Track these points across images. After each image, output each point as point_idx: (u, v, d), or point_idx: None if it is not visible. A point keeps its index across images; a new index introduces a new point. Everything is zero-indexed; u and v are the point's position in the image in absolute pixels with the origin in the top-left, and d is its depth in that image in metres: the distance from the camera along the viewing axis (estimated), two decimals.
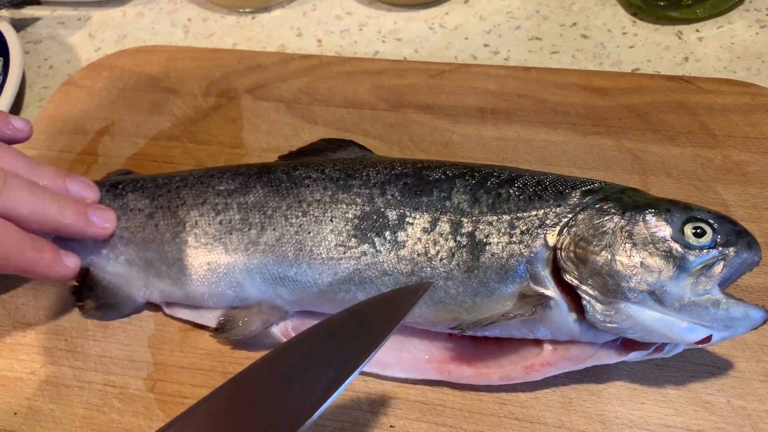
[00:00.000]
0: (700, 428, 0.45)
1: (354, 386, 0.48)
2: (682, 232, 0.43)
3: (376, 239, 0.47)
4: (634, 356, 0.46)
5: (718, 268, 0.43)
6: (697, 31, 0.71)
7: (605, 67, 0.69)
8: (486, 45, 0.74)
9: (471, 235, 0.46)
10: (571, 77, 0.65)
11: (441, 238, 0.46)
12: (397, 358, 0.49)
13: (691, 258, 0.43)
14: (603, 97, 0.63)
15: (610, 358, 0.46)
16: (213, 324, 0.51)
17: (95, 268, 0.53)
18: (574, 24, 0.74)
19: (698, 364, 0.47)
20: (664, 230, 0.44)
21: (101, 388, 0.50)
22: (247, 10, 0.81)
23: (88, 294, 0.54)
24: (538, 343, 0.47)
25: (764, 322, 0.43)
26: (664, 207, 0.45)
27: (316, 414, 0.37)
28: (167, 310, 0.53)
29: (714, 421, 0.45)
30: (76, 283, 0.54)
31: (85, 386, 0.50)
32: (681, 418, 0.45)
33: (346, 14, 0.80)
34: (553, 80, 0.65)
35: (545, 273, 0.45)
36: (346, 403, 0.48)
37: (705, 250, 0.43)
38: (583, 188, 0.47)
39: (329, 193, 0.49)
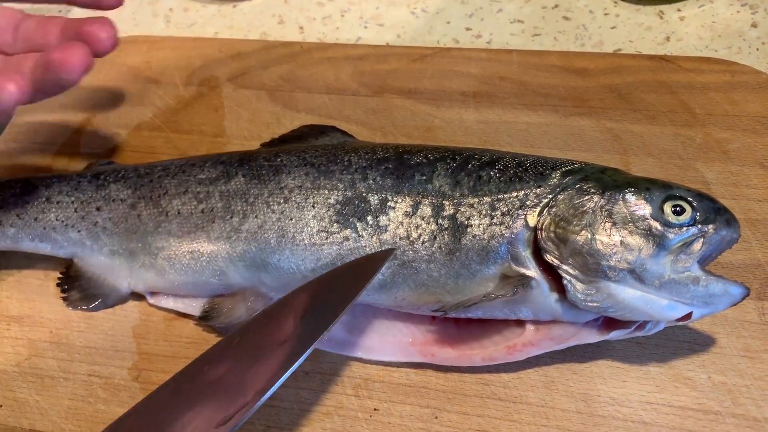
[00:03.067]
0: (682, 404, 0.45)
1: (338, 370, 0.49)
2: (662, 210, 0.44)
3: (358, 224, 0.47)
4: (615, 335, 0.46)
5: (697, 246, 0.43)
6: (679, 10, 0.71)
7: (587, 48, 0.69)
8: (468, 29, 0.74)
9: (452, 217, 0.46)
10: (552, 59, 0.65)
11: (423, 222, 0.46)
12: (381, 341, 0.49)
13: (671, 236, 0.43)
14: (584, 79, 0.63)
15: (592, 337, 0.46)
16: (197, 313, 0.51)
17: (79, 259, 0.53)
18: (556, 6, 0.74)
19: (679, 341, 0.48)
20: (644, 209, 0.44)
21: (86, 379, 0.50)
22: None
23: (72, 285, 0.54)
24: (520, 323, 0.48)
25: (743, 298, 0.43)
26: (644, 186, 0.45)
27: (276, 385, 0.38)
28: (151, 300, 0.53)
29: (695, 397, 0.46)
30: (60, 275, 0.55)
31: (70, 377, 0.50)
32: (662, 394, 0.46)
33: (327, 0, 0.79)
34: (534, 62, 0.65)
35: (526, 254, 0.45)
36: (330, 387, 0.48)
37: (684, 228, 0.43)
38: (563, 169, 0.47)
39: (311, 179, 0.49)
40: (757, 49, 0.66)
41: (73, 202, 0.53)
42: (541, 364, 0.48)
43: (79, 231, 0.52)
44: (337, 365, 0.49)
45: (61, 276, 0.54)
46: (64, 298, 0.54)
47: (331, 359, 0.49)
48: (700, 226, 0.43)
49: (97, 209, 0.52)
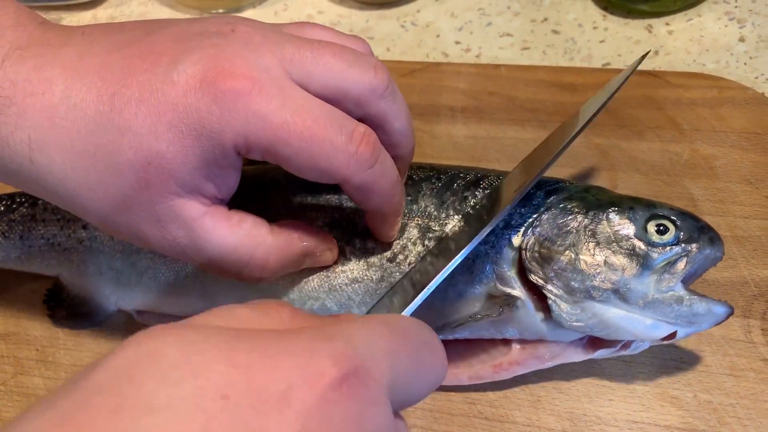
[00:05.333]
0: (668, 423, 0.45)
1: None
2: (645, 229, 0.44)
3: (345, 247, 0.47)
4: (601, 353, 0.46)
5: (681, 265, 0.43)
6: (667, 24, 0.71)
7: (576, 62, 0.69)
8: (457, 42, 0.74)
9: (439, 239, 0.46)
10: (541, 74, 0.65)
11: (410, 244, 0.46)
12: None
13: (655, 255, 0.43)
14: (572, 94, 0.63)
15: (577, 356, 0.46)
16: None
17: (65, 277, 0.53)
18: (545, 19, 0.74)
19: (665, 360, 0.48)
20: (627, 228, 0.44)
21: None
22: (219, 10, 0.81)
23: (58, 303, 0.54)
24: (506, 343, 0.48)
25: (727, 317, 0.43)
26: (627, 205, 0.45)
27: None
28: (138, 318, 0.53)
29: (681, 416, 0.46)
30: (46, 292, 0.54)
31: None
32: (649, 413, 0.46)
33: (317, 13, 0.79)
34: (523, 77, 0.65)
35: (511, 273, 0.45)
36: None
37: (668, 247, 0.43)
38: (547, 188, 0.47)
39: (298, 199, 0.49)
40: (745, 64, 0.66)
41: (58, 220, 0.52)
42: (528, 382, 0.48)
43: (65, 249, 0.52)
44: None
45: (47, 294, 0.54)
46: (50, 316, 0.54)
47: None
48: (683, 245, 0.43)
49: (83, 227, 0.52)
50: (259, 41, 0.37)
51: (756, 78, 0.65)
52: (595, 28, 0.72)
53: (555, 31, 0.73)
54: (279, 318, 0.28)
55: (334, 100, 0.38)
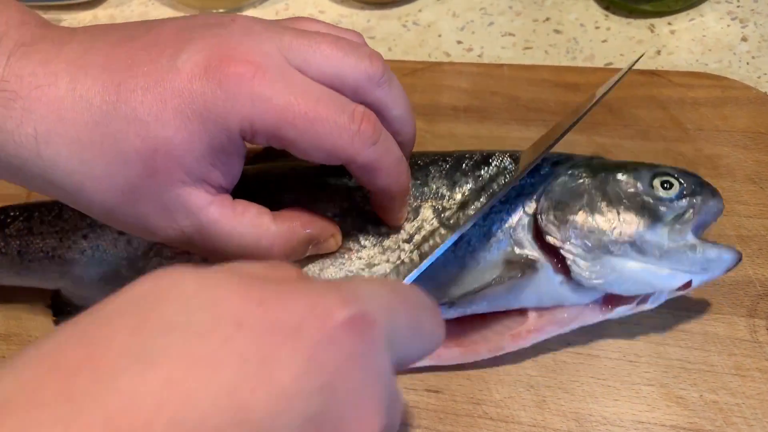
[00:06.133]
0: (674, 423, 0.45)
1: None
2: (652, 186, 0.46)
3: (359, 234, 0.47)
4: (619, 311, 0.47)
5: (688, 215, 0.46)
6: (669, 24, 0.71)
7: (578, 62, 0.69)
8: (459, 42, 0.73)
9: (449, 218, 0.47)
10: (543, 73, 0.65)
11: (426, 224, 0.47)
12: None
13: (663, 209, 0.45)
14: (575, 93, 0.63)
15: (595, 316, 0.47)
16: None
17: (67, 290, 0.52)
18: (547, 19, 0.74)
19: (671, 359, 0.48)
20: (636, 186, 0.46)
21: None
22: (220, 10, 0.81)
23: (62, 310, 0.53)
24: (522, 312, 0.48)
25: (737, 263, 0.45)
26: (632, 166, 0.48)
27: None
28: None
29: (687, 416, 0.45)
30: (51, 300, 0.53)
31: None
32: (654, 413, 0.46)
33: (319, 13, 0.79)
34: (525, 77, 0.65)
35: (528, 237, 0.46)
36: None
37: (675, 202, 0.46)
38: (553, 160, 0.49)
39: (306, 192, 0.49)
40: (747, 63, 0.66)
41: (57, 231, 0.50)
42: (533, 383, 0.48)
43: (66, 261, 0.50)
44: None
45: (51, 301, 0.53)
46: (56, 321, 0.53)
47: None
48: (688, 198, 0.46)
49: (84, 237, 0.50)
50: (258, 30, 0.38)
51: (759, 78, 0.65)
52: (597, 27, 0.72)
53: (557, 31, 0.73)
54: (288, 272, 0.29)
55: (331, 87, 0.39)
